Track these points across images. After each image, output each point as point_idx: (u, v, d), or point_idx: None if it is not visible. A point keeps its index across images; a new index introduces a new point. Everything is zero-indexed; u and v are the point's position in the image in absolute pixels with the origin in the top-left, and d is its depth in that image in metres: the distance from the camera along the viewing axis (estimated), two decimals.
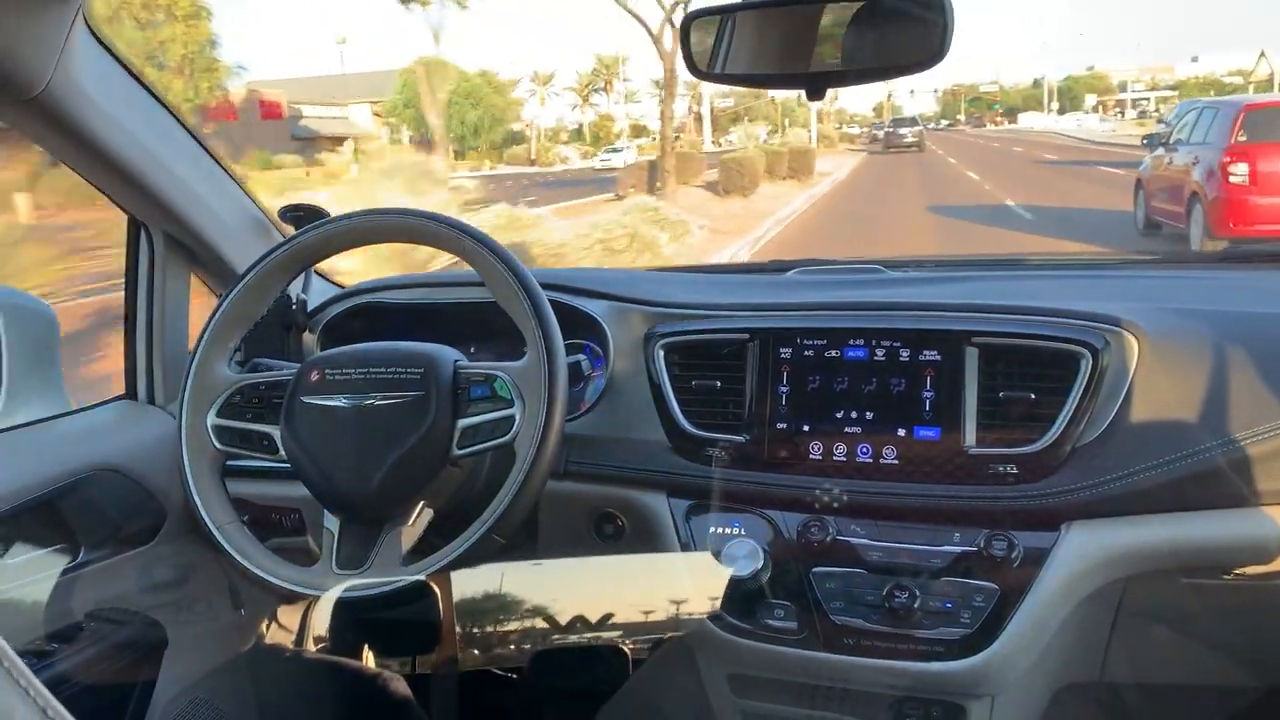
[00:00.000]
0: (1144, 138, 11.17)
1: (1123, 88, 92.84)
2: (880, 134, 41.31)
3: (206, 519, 1.18)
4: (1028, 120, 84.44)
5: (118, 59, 1.28)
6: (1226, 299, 1.34)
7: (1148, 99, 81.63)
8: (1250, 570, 1.16)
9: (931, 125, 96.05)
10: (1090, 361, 1.16)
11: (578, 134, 71.71)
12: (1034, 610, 1.13)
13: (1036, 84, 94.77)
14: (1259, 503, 1.11)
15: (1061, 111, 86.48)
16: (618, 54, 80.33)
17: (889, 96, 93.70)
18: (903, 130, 37.92)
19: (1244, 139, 7.92)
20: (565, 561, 1.42)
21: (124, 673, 1.37)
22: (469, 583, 1.28)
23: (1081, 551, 1.14)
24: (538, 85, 78.50)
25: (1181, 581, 1.20)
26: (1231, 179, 7.75)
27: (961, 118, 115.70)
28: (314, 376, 1.18)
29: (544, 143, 57.95)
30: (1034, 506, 1.15)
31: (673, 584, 1.31)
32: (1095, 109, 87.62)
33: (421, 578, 1.11)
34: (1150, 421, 1.15)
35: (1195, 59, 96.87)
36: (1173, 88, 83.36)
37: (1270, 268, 1.54)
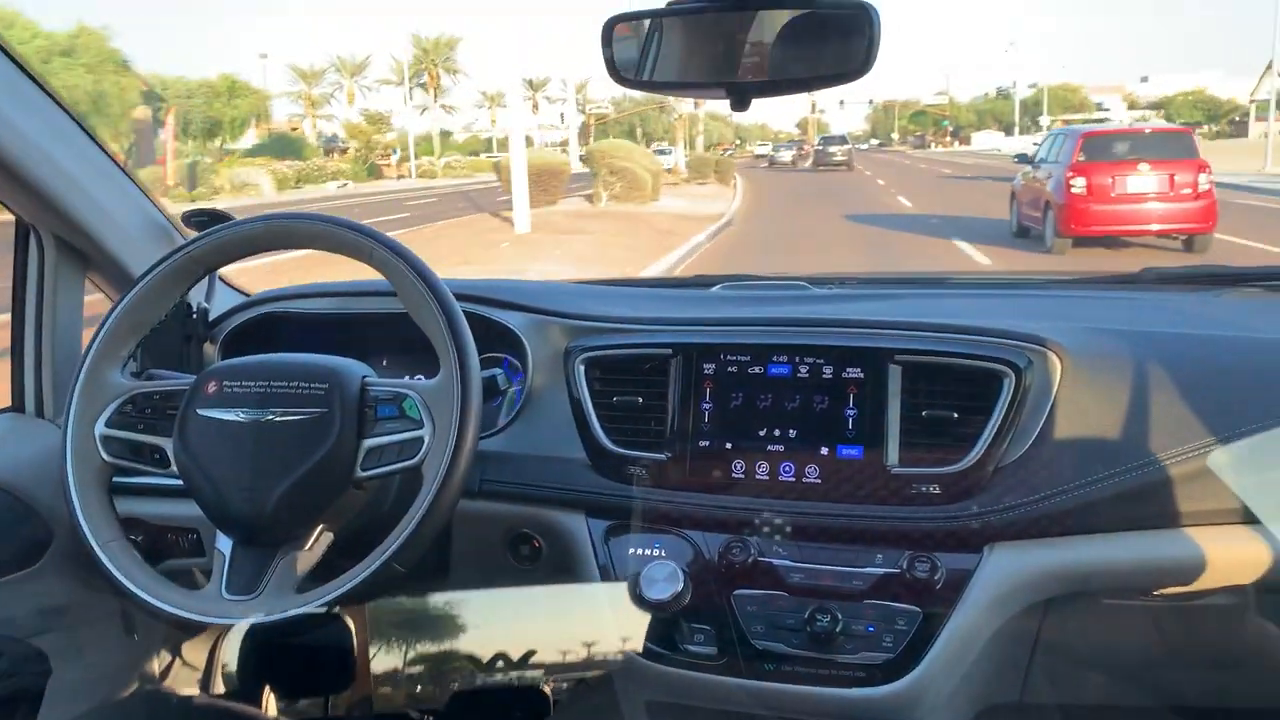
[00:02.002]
0: (1015, 156, 14.04)
1: (1099, 106, 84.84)
2: (773, 155, 48.44)
3: (89, 535, 1.09)
4: (985, 140, 74.11)
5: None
6: (1146, 319, 1.33)
7: (1106, 118, 72.11)
8: (1171, 591, 1.14)
9: (862, 146, 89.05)
10: (1013, 380, 1.13)
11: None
12: (957, 633, 1.09)
13: (1003, 94, 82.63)
14: (1180, 524, 1.09)
15: (1021, 131, 75.36)
16: (445, 36, 66.00)
17: (814, 108, 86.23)
18: (832, 148, 38.23)
19: (1083, 159, 10.08)
20: (485, 593, 1.35)
21: (1, 707, 1.26)
22: (385, 616, 1.21)
23: (1004, 573, 1.11)
24: (345, 77, 63.88)
25: (1103, 603, 1.18)
26: (1072, 190, 9.88)
27: (895, 136, 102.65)
28: (211, 388, 1.11)
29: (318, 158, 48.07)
30: (956, 527, 1.12)
31: (594, 616, 1.25)
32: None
33: (314, 609, 1.03)
34: (1072, 441, 1.12)
35: (1145, 79, 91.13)
36: (1155, 105, 77.12)
37: (1186, 289, 1.54)
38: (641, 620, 1.16)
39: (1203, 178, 9.73)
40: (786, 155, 49.29)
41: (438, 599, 1.30)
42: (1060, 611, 1.18)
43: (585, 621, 1.26)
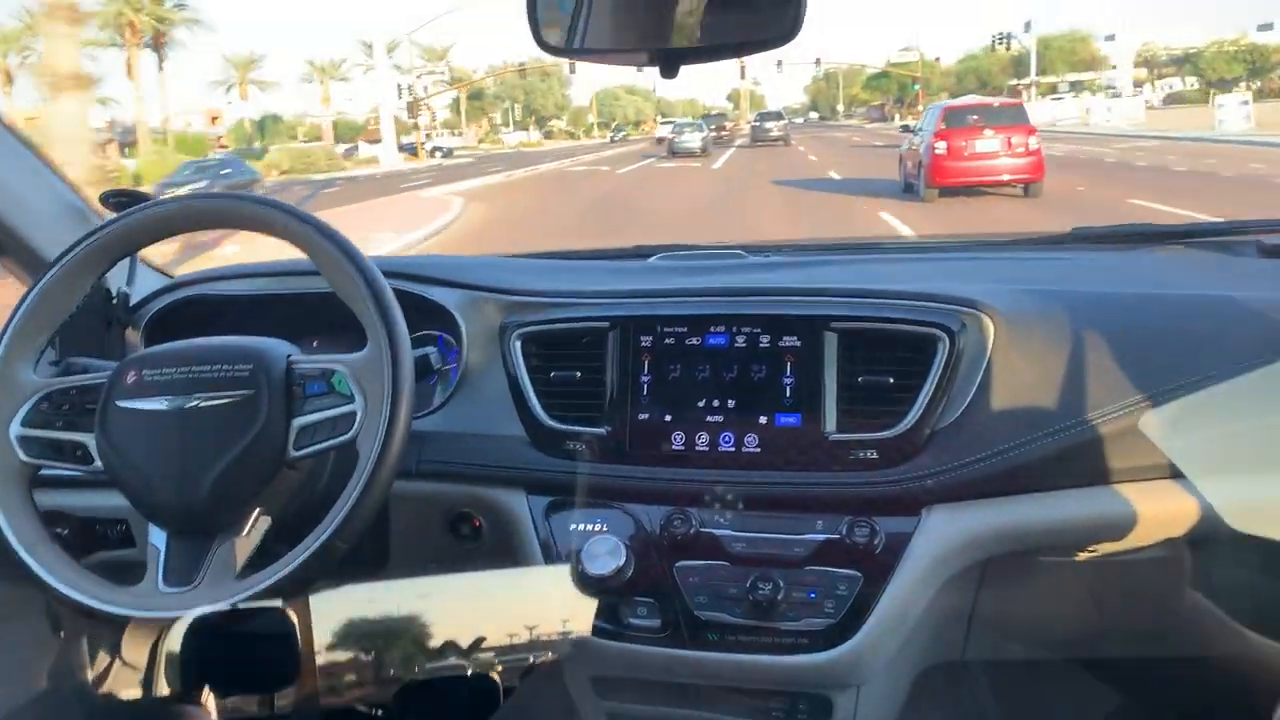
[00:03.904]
0: (901, 127, 17.93)
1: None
2: (674, 139, 32.42)
3: (13, 539, 1.03)
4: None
5: None
6: (1078, 279, 1.34)
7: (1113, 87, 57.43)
8: (1105, 548, 1.16)
9: (799, 120, 77.83)
10: (947, 344, 1.14)
11: None
12: (897, 596, 1.10)
13: (1001, 43, 55.05)
14: (1112, 480, 1.10)
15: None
16: None
17: (743, 73, 64.26)
18: (768, 124, 36.75)
19: (944, 127, 12.60)
20: (429, 580, 1.30)
21: None
22: (328, 610, 1.17)
23: (942, 535, 1.11)
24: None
25: (1039, 561, 1.19)
26: (936, 151, 12.46)
27: (841, 109, 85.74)
28: (131, 378, 1.05)
29: None
30: (894, 491, 1.12)
31: (538, 598, 1.23)
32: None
33: (256, 594, 0.99)
34: (1007, 403, 1.13)
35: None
36: (1179, 60, 60.91)
37: (1116, 248, 1.56)
38: (586, 600, 1.15)
39: (1032, 139, 12.46)
40: (694, 139, 31.71)
41: (381, 589, 1.25)
42: (998, 571, 1.19)
43: (531, 605, 1.23)
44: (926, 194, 12.66)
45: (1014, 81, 64.52)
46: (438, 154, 48.43)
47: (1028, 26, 53.34)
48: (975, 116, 12.89)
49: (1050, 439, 1.10)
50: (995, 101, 15.45)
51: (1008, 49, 56.24)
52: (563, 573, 1.15)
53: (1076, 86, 61.43)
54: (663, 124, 46.78)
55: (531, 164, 32.40)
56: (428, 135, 55.11)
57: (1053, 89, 55.16)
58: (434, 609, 1.28)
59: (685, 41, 1.04)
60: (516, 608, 1.25)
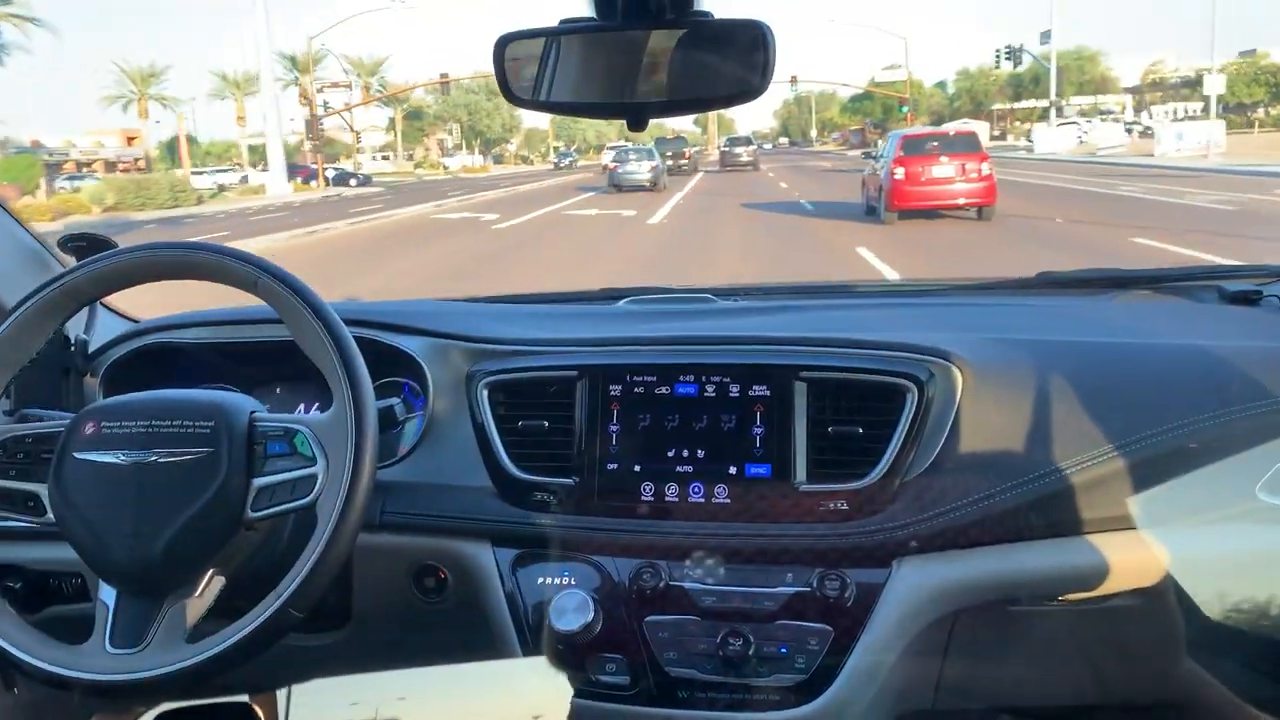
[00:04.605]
0: (864, 154, 18.41)
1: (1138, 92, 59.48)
2: (619, 171, 24.75)
3: None
4: None
5: None
6: (1046, 327, 1.35)
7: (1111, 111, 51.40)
8: (1074, 598, 1.16)
9: (767, 146, 73.71)
10: (916, 394, 1.13)
11: None
12: (868, 650, 1.09)
13: (1008, 58, 44.46)
14: (1082, 531, 1.10)
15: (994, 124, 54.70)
16: None
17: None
18: (738, 149, 36.29)
19: (903, 154, 13.44)
20: (405, 674, 1.29)
21: None
22: (298, 701, 1.13)
23: (913, 587, 1.11)
24: None
25: (1009, 611, 1.19)
26: (895, 177, 13.29)
27: (814, 134, 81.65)
28: (89, 429, 1.02)
29: None
30: (864, 543, 1.11)
31: (520, 694, 1.21)
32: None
33: (206, 659, 0.95)
34: (976, 454, 1.13)
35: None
36: (1190, 83, 51.65)
37: (1083, 293, 1.57)
38: (566, 695, 1.13)
39: (984, 165, 13.27)
40: (642, 169, 24.49)
41: (352, 684, 1.22)
42: (968, 622, 1.18)
43: (509, 701, 1.22)
44: (886, 216, 13.47)
45: (1012, 105, 60.82)
46: (353, 182, 41.24)
47: (1045, 37, 42.99)
48: (933, 144, 13.74)
49: (1020, 489, 1.10)
50: (950, 130, 16.58)
51: (1015, 65, 47.37)
52: (541, 664, 1.14)
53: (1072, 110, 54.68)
54: (609, 149, 34.66)
55: (420, 200, 25.63)
56: (352, 160, 49.25)
57: (1059, 111, 46.95)
58: (409, 707, 1.25)
59: (653, 95, 1.03)
60: (493, 704, 1.22)
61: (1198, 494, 1.10)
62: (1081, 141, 37.36)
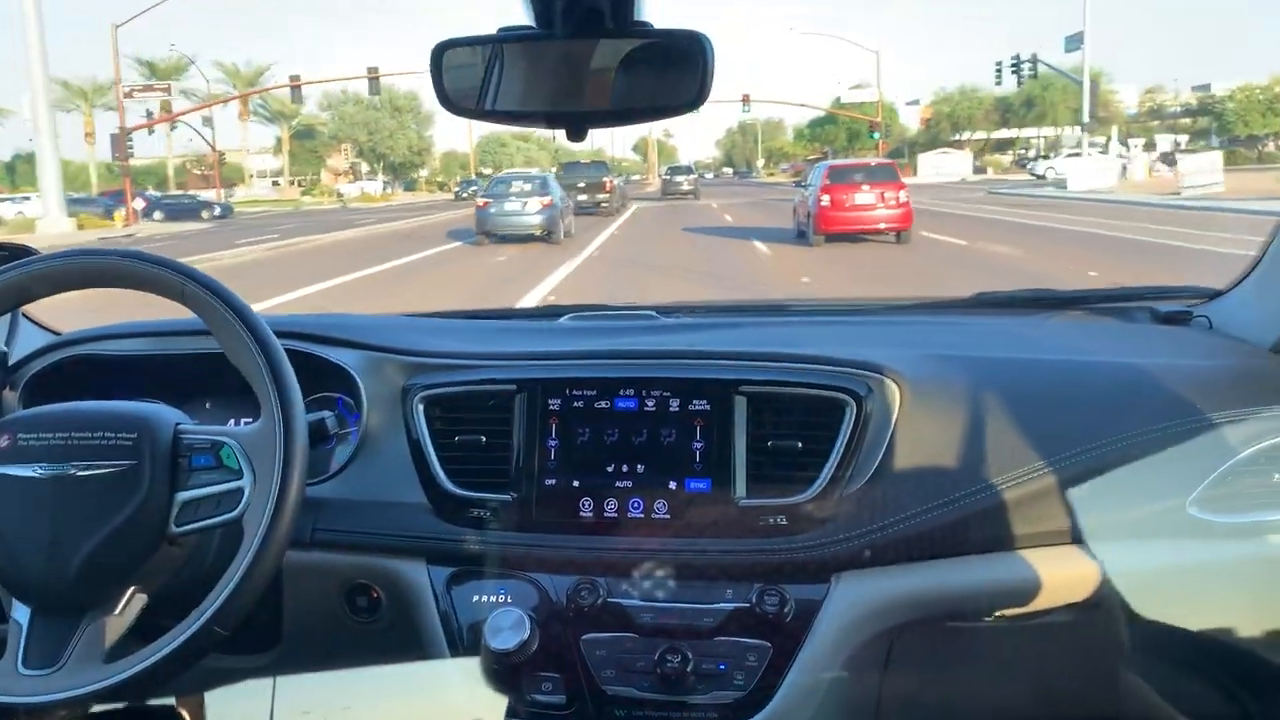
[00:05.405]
0: (795, 182, 19.32)
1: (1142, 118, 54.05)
2: (488, 204, 14.94)
3: None
4: (939, 166, 45.77)
5: None
6: (982, 344, 1.35)
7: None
8: (1010, 612, 1.16)
9: (709, 175, 70.62)
10: (854, 408, 1.13)
11: None
12: (807, 666, 1.08)
13: (1013, 72, 34.65)
14: (1017, 546, 1.11)
15: (979, 157, 49.36)
16: None
17: (652, 132, 60.27)
18: (679, 178, 36.82)
19: (829, 182, 14.46)
20: (333, 675, 1.24)
21: None
22: (224, 705, 1.07)
23: (852, 602, 1.10)
24: None
25: (947, 626, 1.19)
26: (822, 203, 14.29)
27: (759, 163, 75.28)
28: (4, 442, 0.98)
29: None
30: (803, 558, 1.11)
31: (447, 694, 1.17)
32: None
33: (123, 680, 0.91)
34: (914, 468, 1.13)
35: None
36: (1196, 112, 48.43)
37: (1019, 313, 1.58)
38: (496, 697, 1.10)
39: (902, 194, 14.33)
40: (531, 209, 15.73)
41: (279, 685, 1.17)
42: (907, 637, 1.18)
43: (436, 701, 1.19)
44: (815, 240, 14.45)
45: (1001, 133, 54.12)
46: (205, 214, 31.62)
47: (1071, 42, 32.89)
48: (856, 174, 14.74)
49: (956, 504, 1.10)
50: (872, 160, 17.67)
51: (1020, 82, 39.41)
52: (470, 666, 1.10)
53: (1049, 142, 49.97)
54: (495, 183, 17.94)
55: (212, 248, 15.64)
56: (244, 185, 42.45)
57: (1055, 144, 43.14)
58: (335, 708, 1.20)
59: (594, 105, 1.03)
60: (420, 704, 1.18)
61: (1131, 509, 1.12)
62: (1126, 175, 29.02)
